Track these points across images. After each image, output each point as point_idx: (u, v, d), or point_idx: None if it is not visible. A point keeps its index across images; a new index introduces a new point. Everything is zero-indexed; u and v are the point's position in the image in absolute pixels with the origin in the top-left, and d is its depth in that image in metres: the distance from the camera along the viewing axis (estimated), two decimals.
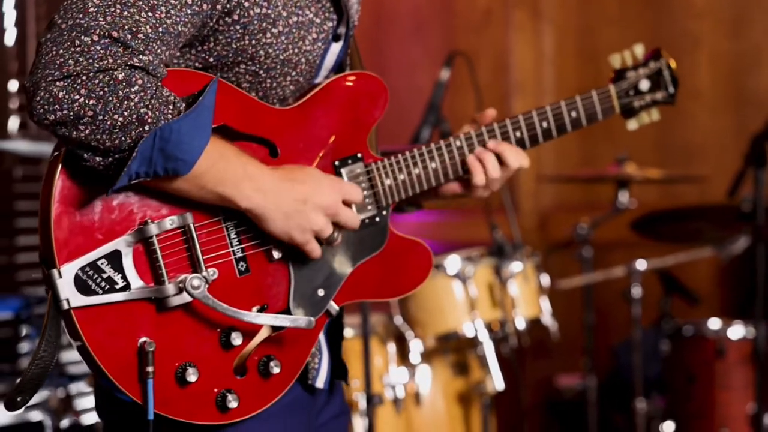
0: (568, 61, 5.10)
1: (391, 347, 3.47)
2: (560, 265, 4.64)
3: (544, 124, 1.99)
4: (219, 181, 1.69)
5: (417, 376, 3.49)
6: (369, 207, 1.89)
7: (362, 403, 3.33)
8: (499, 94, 5.15)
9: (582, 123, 2.02)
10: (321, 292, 1.84)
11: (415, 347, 3.48)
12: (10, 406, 1.67)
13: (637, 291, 3.98)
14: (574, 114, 2.01)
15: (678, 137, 4.98)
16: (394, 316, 3.50)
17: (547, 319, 3.62)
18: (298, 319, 1.78)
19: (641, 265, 3.98)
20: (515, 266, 3.54)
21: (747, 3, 4.90)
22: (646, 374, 4.09)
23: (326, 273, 1.84)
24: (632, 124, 2.11)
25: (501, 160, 1.96)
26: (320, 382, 1.90)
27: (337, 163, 1.87)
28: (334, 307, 1.85)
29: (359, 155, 1.89)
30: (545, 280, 3.64)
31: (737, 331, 3.98)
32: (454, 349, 3.60)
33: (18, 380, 1.70)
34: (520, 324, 3.52)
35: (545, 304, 3.63)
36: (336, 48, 1.88)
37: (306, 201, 1.75)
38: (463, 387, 3.61)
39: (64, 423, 3.48)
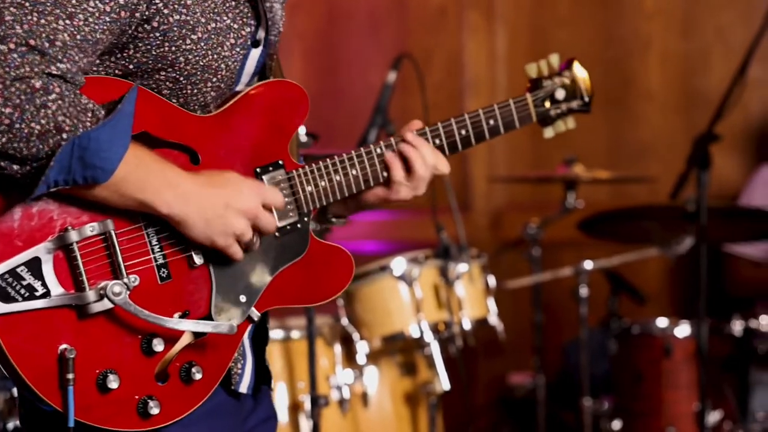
0: (520, 61, 5.08)
1: (338, 348, 3.48)
2: (511, 265, 4.67)
3: (463, 132, 2.01)
4: (139, 188, 1.69)
5: (364, 377, 3.50)
6: (290, 213, 1.89)
7: (307, 404, 3.33)
8: (452, 93, 5.16)
9: (500, 131, 2.04)
10: (242, 298, 1.83)
11: (362, 348, 3.49)
12: None
13: (584, 291, 4.02)
14: (492, 122, 2.03)
15: (629, 137, 5.02)
16: (341, 318, 3.51)
17: (494, 319, 3.65)
18: (219, 324, 1.78)
19: (588, 264, 4.01)
20: (461, 267, 3.55)
21: (696, 3, 4.95)
22: (593, 373, 4.12)
23: (247, 279, 1.84)
24: (548, 132, 2.13)
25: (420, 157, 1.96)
26: (244, 387, 1.90)
27: (258, 170, 1.87)
28: (255, 313, 1.85)
29: (280, 162, 1.89)
30: (492, 280, 3.66)
31: (684, 329, 4.02)
32: (401, 350, 3.62)
33: None
34: (467, 325, 3.54)
35: (492, 305, 3.65)
36: (256, 53, 1.88)
37: (227, 205, 1.76)
38: (410, 387, 3.63)
39: (10, 426, 3.47)
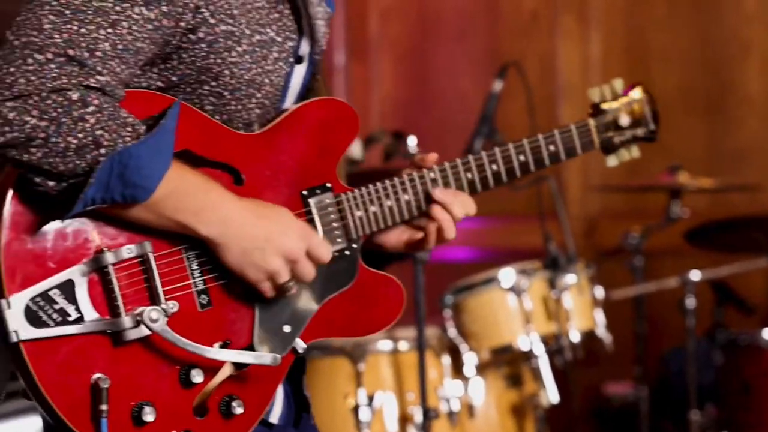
0: (615, 65, 5.05)
1: (446, 360, 3.45)
2: (609, 274, 4.60)
3: (521, 158, 1.92)
4: (178, 208, 1.62)
5: (471, 388, 3.47)
6: (339, 240, 1.80)
7: (418, 416, 3.32)
8: (545, 98, 5.11)
9: (561, 157, 1.95)
10: (287, 329, 1.74)
11: (470, 360, 3.46)
12: None
13: (691, 302, 3.94)
14: (552, 148, 1.94)
15: (728, 144, 4.93)
16: (448, 329, 3.49)
17: (602, 331, 3.60)
18: (262, 355, 1.70)
19: (695, 275, 3.94)
20: (570, 279, 3.51)
21: None
22: (698, 384, 4.05)
23: (293, 308, 1.75)
24: (612, 161, 2.03)
25: (448, 210, 1.87)
26: (274, 418, 1.81)
27: (305, 192, 1.78)
28: (301, 344, 1.76)
29: (328, 185, 1.80)
30: (599, 292, 3.62)
31: None
32: (508, 362, 3.59)
33: None
34: (575, 337, 3.50)
35: (599, 317, 3.61)
36: (301, 70, 1.81)
37: (268, 240, 1.67)
38: (516, 399, 3.60)
39: None
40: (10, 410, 3.14)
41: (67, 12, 1.55)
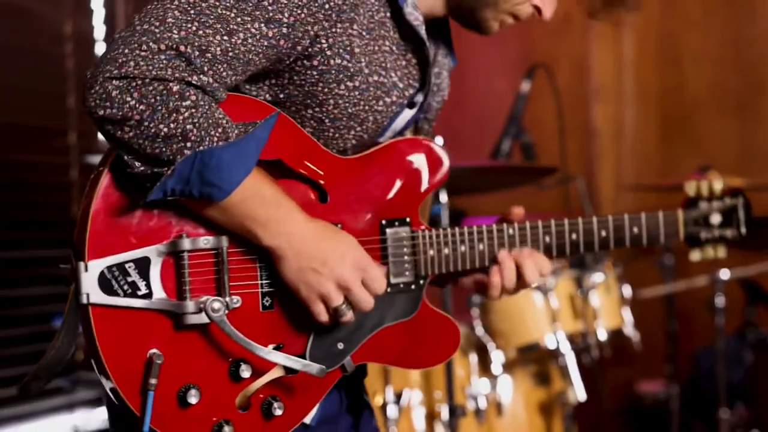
0: (648, 66, 5.06)
1: (473, 358, 3.48)
2: (640, 272, 4.61)
3: (603, 233, 1.94)
4: (248, 216, 1.68)
5: (498, 386, 3.50)
6: (407, 273, 1.85)
7: (445, 414, 3.35)
8: (578, 99, 5.13)
9: (642, 242, 1.97)
10: (340, 345, 1.80)
11: (497, 358, 3.49)
12: (25, 392, 1.69)
13: (720, 300, 3.95)
14: (635, 230, 1.96)
15: (761, 144, 4.92)
16: (476, 327, 3.52)
17: (630, 330, 3.62)
18: (310, 364, 1.76)
19: (725, 274, 3.95)
20: (597, 277, 3.53)
21: None
22: (728, 382, 4.05)
23: (350, 328, 1.80)
24: (695, 255, 2.04)
25: (519, 272, 1.90)
26: (308, 419, 1.84)
27: (384, 222, 1.84)
28: (350, 363, 1.81)
29: (408, 219, 1.85)
30: (627, 290, 3.63)
31: None
32: (535, 360, 3.61)
33: (35, 367, 1.71)
34: (602, 335, 3.52)
35: (627, 315, 3.62)
36: (408, 114, 1.87)
37: (324, 263, 1.72)
38: (544, 397, 3.62)
39: None
40: (43, 408, 3.22)
41: (192, 12, 1.64)
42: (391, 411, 3.33)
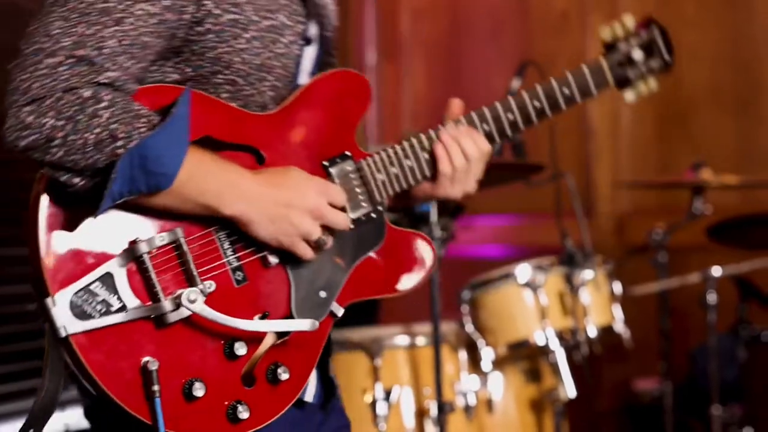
0: None
1: (463, 355, 3.49)
2: (636, 270, 4.62)
3: (537, 104, 1.95)
4: (201, 191, 1.68)
5: (489, 383, 3.51)
6: (363, 204, 1.87)
7: (433, 410, 3.36)
8: None
9: (576, 99, 1.98)
10: (323, 294, 1.81)
11: (487, 355, 3.50)
12: None
13: (712, 297, 3.95)
14: (566, 90, 1.97)
15: (759, 141, 4.91)
16: (466, 324, 3.53)
17: (620, 326, 3.62)
18: (299, 322, 1.77)
19: (717, 271, 3.95)
20: (586, 274, 3.54)
21: None
22: (722, 380, 4.05)
23: (326, 274, 1.82)
24: (629, 96, 2.06)
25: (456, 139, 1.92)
26: (309, 396, 1.88)
27: (325, 163, 1.85)
28: (338, 307, 1.83)
29: (348, 153, 1.87)
30: (618, 287, 3.64)
31: None
32: (526, 356, 3.62)
33: (27, 416, 1.70)
34: (592, 332, 3.53)
35: (618, 312, 3.63)
36: (311, 52, 1.88)
37: (290, 204, 1.74)
38: (535, 394, 3.62)
39: None
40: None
41: (73, 16, 1.64)
42: (381, 408, 3.35)
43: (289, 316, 1.78)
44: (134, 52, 1.67)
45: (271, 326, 1.76)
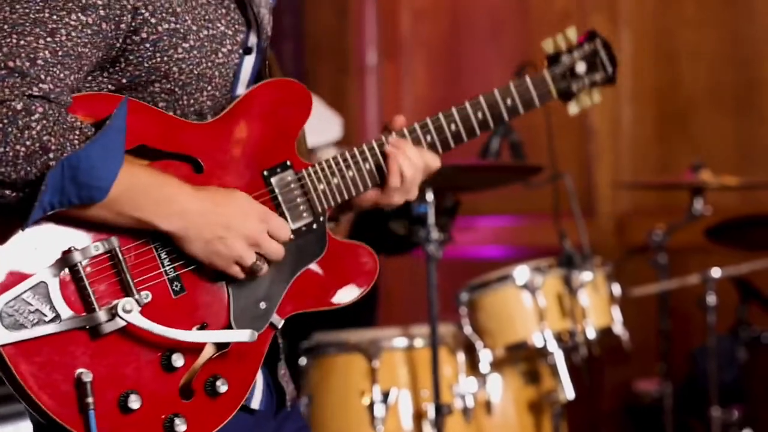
0: (645, 64, 5.05)
1: (461, 357, 3.48)
2: (636, 271, 4.61)
3: (480, 115, 1.96)
4: (135, 205, 1.66)
5: (487, 385, 3.50)
6: (304, 214, 1.85)
7: (431, 412, 3.35)
8: None
9: (519, 110, 1.99)
10: (263, 305, 1.79)
11: (485, 357, 3.49)
12: None
13: (711, 299, 3.95)
14: (509, 102, 1.98)
15: (760, 142, 4.90)
16: (464, 326, 3.52)
17: (619, 328, 3.62)
18: (238, 332, 1.74)
19: (716, 272, 3.94)
20: (585, 276, 3.53)
21: None
22: (722, 381, 4.05)
23: (266, 285, 1.79)
24: (573, 108, 2.06)
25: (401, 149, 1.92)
26: (255, 403, 1.85)
27: (265, 172, 1.83)
28: (278, 319, 1.81)
29: (288, 162, 1.84)
30: (617, 289, 3.63)
31: None
32: (525, 358, 3.61)
33: None
34: (591, 334, 3.52)
35: (617, 314, 3.62)
36: (250, 61, 1.85)
37: (228, 227, 1.71)
38: (534, 396, 3.61)
39: None
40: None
41: (6, 27, 1.61)
42: (378, 410, 3.34)
43: (228, 327, 1.76)
44: (69, 63, 1.63)
45: (209, 337, 1.73)
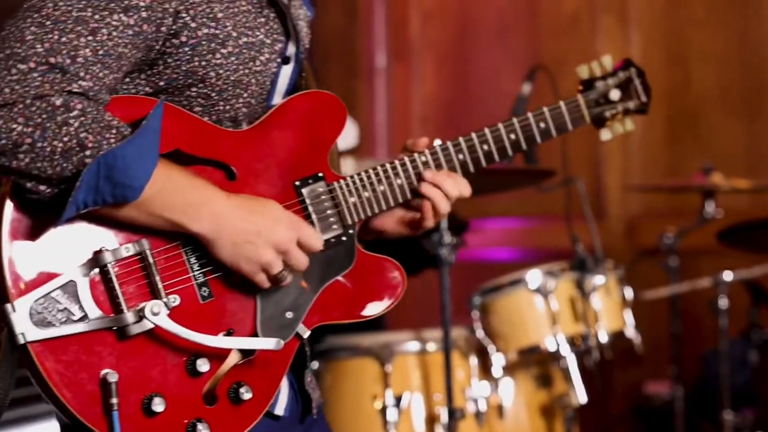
0: (655, 66, 5.04)
1: (473, 361, 3.48)
2: (647, 274, 4.60)
3: (512, 136, 1.98)
4: (168, 206, 1.67)
5: (500, 389, 3.50)
6: (334, 226, 1.86)
7: (444, 417, 3.35)
8: None
9: (551, 134, 2.01)
10: (289, 315, 1.79)
11: (497, 361, 3.49)
12: None
13: (723, 302, 3.94)
14: (543, 125, 2.00)
15: None
16: (476, 330, 3.52)
17: (631, 332, 3.61)
18: (264, 341, 1.75)
19: (728, 276, 3.93)
20: (597, 280, 3.53)
21: None
22: (734, 384, 4.04)
23: (294, 295, 1.80)
24: (605, 134, 2.08)
25: (439, 186, 1.93)
26: (280, 409, 1.86)
27: (297, 183, 1.84)
28: (304, 329, 1.81)
29: (320, 174, 1.86)
30: (629, 293, 3.62)
31: None
32: (537, 362, 3.60)
33: None
34: (603, 338, 3.51)
35: (629, 317, 3.61)
36: (287, 71, 1.86)
37: (259, 234, 1.72)
38: (546, 400, 3.61)
39: None
40: (28, 414, 3.22)
41: (48, 23, 1.62)
42: (391, 414, 3.34)
43: (254, 335, 1.77)
44: (109, 62, 1.65)
45: (235, 343, 1.74)
